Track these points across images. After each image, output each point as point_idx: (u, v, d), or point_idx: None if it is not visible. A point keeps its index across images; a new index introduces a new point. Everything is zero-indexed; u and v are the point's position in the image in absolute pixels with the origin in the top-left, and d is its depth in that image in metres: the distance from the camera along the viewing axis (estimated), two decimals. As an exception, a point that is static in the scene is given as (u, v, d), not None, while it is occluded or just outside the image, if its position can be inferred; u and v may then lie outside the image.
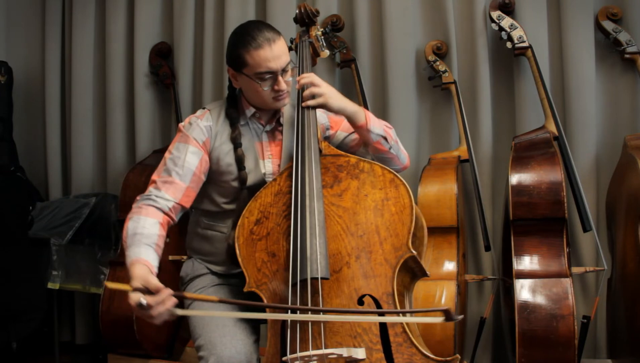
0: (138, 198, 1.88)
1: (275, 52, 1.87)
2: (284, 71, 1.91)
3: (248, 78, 1.91)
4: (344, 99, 1.95)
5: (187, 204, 1.91)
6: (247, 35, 1.88)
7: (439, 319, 1.49)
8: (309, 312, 1.64)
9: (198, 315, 1.81)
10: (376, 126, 1.96)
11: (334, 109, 1.93)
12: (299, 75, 2.04)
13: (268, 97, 1.93)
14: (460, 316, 1.52)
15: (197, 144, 1.92)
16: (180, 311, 1.60)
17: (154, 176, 1.91)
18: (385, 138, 1.97)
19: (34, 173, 3.82)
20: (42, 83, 3.83)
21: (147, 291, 1.56)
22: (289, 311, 1.66)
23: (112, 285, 1.63)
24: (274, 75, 1.89)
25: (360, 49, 3.15)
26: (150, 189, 1.88)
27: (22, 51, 3.93)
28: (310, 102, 1.92)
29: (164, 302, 1.56)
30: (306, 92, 1.93)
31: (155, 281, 1.59)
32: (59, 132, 3.81)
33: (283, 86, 1.91)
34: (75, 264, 3.23)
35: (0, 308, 3.20)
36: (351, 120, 1.94)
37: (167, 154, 1.93)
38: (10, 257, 3.27)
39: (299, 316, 1.64)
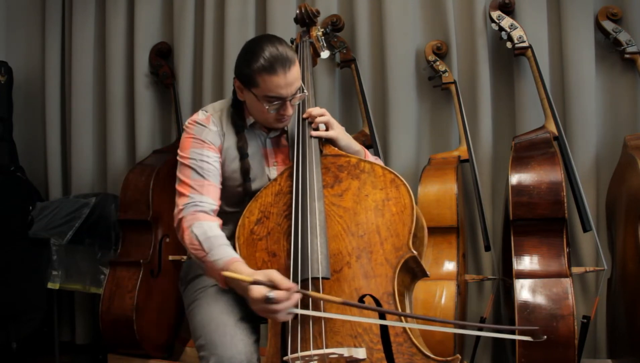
0: (181, 206, 1.86)
1: (289, 80, 1.83)
2: (292, 96, 1.89)
3: (255, 97, 1.89)
4: (350, 139, 1.99)
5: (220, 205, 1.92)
6: (260, 57, 1.82)
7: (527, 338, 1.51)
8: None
9: (310, 314, 1.65)
10: None
11: (339, 146, 1.95)
12: (300, 72, 2.05)
13: (271, 118, 1.92)
14: (544, 337, 1.51)
15: (214, 148, 1.93)
16: (298, 310, 1.58)
17: (186, 180, 1.88)
18: None
19: (34, 173, 3.82)
20: (42, 83, 3.83)
21: (270, 285, 1.55)
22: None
23: (229, 274, 1.60)
24: (283, 101, 1.87)
25: (360, 49, 3.15)
26: (190, 195, 1.86)
27: (22, 51, 3.93)
28: (321, 134, 1.93)
29: (292, 298, 1.56)
30: (322, 119, 1.94)
31: (284, 279, 1.57)
32: (59, 133, 3.81)
33: (290, 112, 1.91)
34: (75, 264, 3.23)
35: (0, 308, 3.21)
36: None
37: (185, 160, 1.91)
38: (10, 257, 3.27)
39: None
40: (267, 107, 1.87)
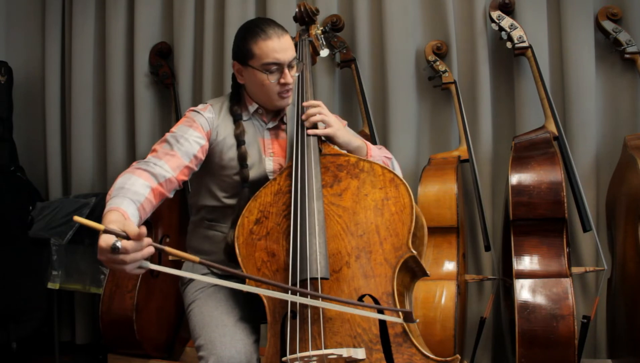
0: (135, 163, 1.82)
1: (283, 44, 1.90)
2: (289, 66, 1.93)
3: (254, 71, 1.92)
4: (349, 134, 1.99)
5: (180, 183, 1.86)
6: (255, 27, 1.92)
7: (397, 319, 1.55)
8: (308, 296, 1.62)
9: (171, 272, 1.54)
10: (377, 159, 1.99)
11: (339, 143, 1.94)
12: (300, 73, 2.05)
13: (273, 92, 1.94)
14: (417, 321, 1.55)
15: (202, 131, 1.93)
16: (152, 266, 1.45)
17: (155, 147, 1.88)
18: None
19: (34, 173, 3.82)
20: (42, 83, 3.83)
21: (122, 235, 1.42)
22: (289, 292, 1.62)
23: (80, 219, 1.42)
24: (280, 67, 1.91)
25: (360, 49, 3.15)
26: (150, 157, 1.84)
27: (22, 51, 3.93)
28: (318, 132, 1.93)
29: (141, 250, 1.42)
30: (316, 118, 1.94)
31: (135, 227, 1.44)
32: (59, 133, 3.81)
33: (289, 79, 1.93)
34: (75, 264, 3.23)
35: (0, 308, 3.21)
36: (355, 153, 1.97)
37: (168, 133, 1.92)
38: (10, 257, 3.27)
39: (297, 298, 1.61)
40: (267, 76, 1.90)
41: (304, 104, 1.99)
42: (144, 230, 1.42)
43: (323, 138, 1.95)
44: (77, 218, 1.42)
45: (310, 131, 1.92)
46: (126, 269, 1.42)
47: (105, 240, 1.40)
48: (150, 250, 1.44)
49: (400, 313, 1.59)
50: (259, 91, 1.97)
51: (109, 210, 1.57)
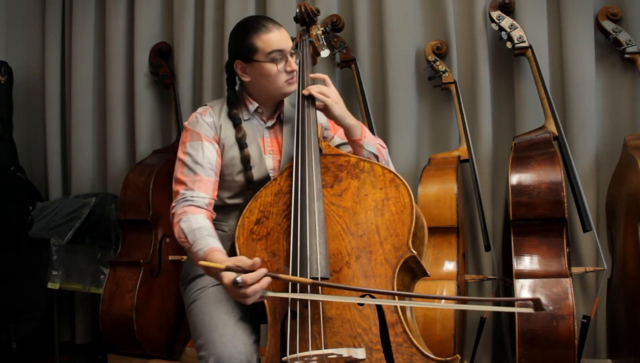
0: (173, 204, 1.91)
1: (282, 35, 1.96)
2: (291, 51, 1.97)
3: (260, 64, 1.94)
4: (347, 111, 2.00)
5: (216, 197, 1.95)
6: (255, 23, 1.97)
7: (529, 310, 1.50)
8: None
9: (284, 296, 1.69)
10: (370, 143, 2.02)
11: (335, 114, 1.96)
12: (300, 71, 2.06)
13: (281, 80, 1.96)
14: (550, 308, 1.54)
15: (209, 139, 1.96)
16: (271, 293, 1.62)
17: (180, 177, 1.93)
18: (376, 157, 2.03)
19: (34, 173, 3.82)
20: (42, 83, 3.84)
21: (240, 270, 1.58)
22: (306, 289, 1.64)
23: (205, 263, 1.65)
24: (284, 55, 1.94)
25: (360, 49, 3.15)
26: (182, 191, 1.91)
27: (22, 51, 3.94)
28: (317, 95, 1.95)
29: (260, 281, 1.58)
30: (315, 88, 1.97)
31: (249, 260, 1.60)
32: (59, 133, 3.81)
33: (294, 65, 1.97)
34: (75, 264, 3.23)
35: (0, 308, 3.20)
36: (348, 132, 2.00)
37: (182, 156, 1.96)
38: (10, 257, 3.27)
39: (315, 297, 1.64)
40: (275, 65, 1.94)
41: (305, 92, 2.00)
42: (257, 260, 1.59)
43: (324, 136, 1.96)
44: (201, 262, 1.65)
45: (305, 91, 1.97)
46: (249, 301, 1.60)
47: (227, 276, 1.59)
48: (267, 279, 1.59)
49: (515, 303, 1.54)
50: (267, 83, 1.98)
51: (209, 251, 1.73)
